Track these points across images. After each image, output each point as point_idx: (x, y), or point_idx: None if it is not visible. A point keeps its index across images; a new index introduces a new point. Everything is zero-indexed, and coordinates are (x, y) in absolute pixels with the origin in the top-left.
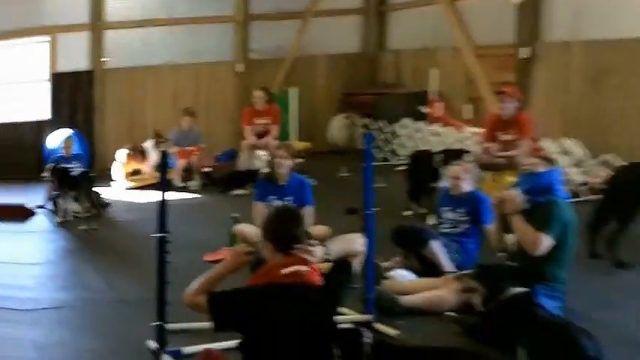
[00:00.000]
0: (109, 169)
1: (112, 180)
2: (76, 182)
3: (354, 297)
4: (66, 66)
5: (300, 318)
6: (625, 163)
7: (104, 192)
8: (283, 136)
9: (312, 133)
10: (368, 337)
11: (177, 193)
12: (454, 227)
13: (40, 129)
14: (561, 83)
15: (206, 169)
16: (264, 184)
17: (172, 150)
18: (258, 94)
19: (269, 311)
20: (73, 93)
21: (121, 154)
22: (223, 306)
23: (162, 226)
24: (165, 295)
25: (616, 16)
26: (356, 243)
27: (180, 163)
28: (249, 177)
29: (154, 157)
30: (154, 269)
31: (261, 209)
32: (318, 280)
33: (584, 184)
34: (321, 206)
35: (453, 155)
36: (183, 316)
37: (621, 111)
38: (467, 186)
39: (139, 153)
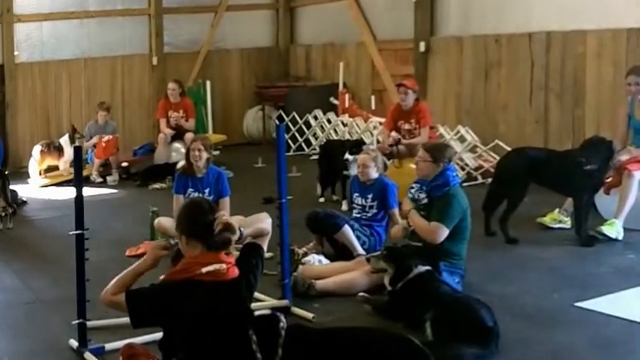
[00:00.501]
0: (25, 167)
1: (28, 177)
2: None
3: (271, 283)
4: None
5: (219, 313)
6: (509, 149)
7: (19, 190)
8: (199, 128)
9: (228, 126)
10: (283, 322)
11: (95, 188)
12: (364, 212)
13: None
14: (455, 75)
15: (124, 164)
16: (183, 176)
17: (89, 145)
18: (172, 87)
19: (187, 308)
20: None
21: (35, 150)
22: (140, 303)
23: (79, 223)
24: (84, 292)
25: (503, 13)
26: (264, 222)
27: (97, 159)
28: (166, 170)
29: (69, 152)
30: (72, 268)
31: (180, 202)
32: (236, 272)
33: (478, 168)
34: (238, 197)
35: (353, 145)
36: (104, 313)
37: (507, 101)
38: (373, 173)
39: (54, 149)
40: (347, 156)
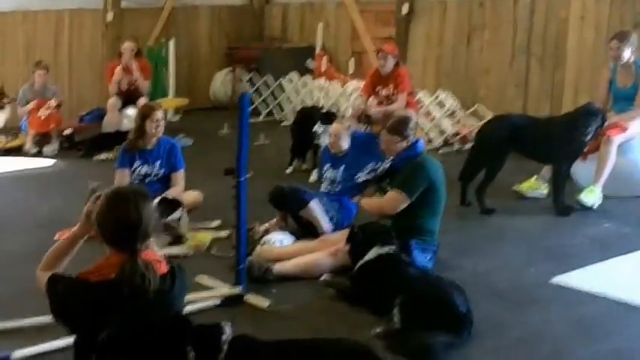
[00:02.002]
0: None
1: None
2: None
3: (225, 268)
4: None
5: (145, 320)
6: (490, 116)
7: None
8: (159, 91)
9: (193, 89)
10: (227, 334)
11: (29, 159)
12: (333, 185)
13: None
14: (436, 38)
15: (67, 131)
16: (128, 150)
17: (24, 112)
18: (128, 46)
19: (109, 314)
20: None
21: None
22: (62, 296)
23: None
24: None
25: None
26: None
27: (31, 130)
28: (116, 139)
29: None
30: None
31: (124, 177)
32: (164, 268)
33: (457, 134)
34: (198, 167)
35: (324, 115)
36: (11, 313)
37: (489, 65)
38: (345, 144)
39: None
40: (316, 127)
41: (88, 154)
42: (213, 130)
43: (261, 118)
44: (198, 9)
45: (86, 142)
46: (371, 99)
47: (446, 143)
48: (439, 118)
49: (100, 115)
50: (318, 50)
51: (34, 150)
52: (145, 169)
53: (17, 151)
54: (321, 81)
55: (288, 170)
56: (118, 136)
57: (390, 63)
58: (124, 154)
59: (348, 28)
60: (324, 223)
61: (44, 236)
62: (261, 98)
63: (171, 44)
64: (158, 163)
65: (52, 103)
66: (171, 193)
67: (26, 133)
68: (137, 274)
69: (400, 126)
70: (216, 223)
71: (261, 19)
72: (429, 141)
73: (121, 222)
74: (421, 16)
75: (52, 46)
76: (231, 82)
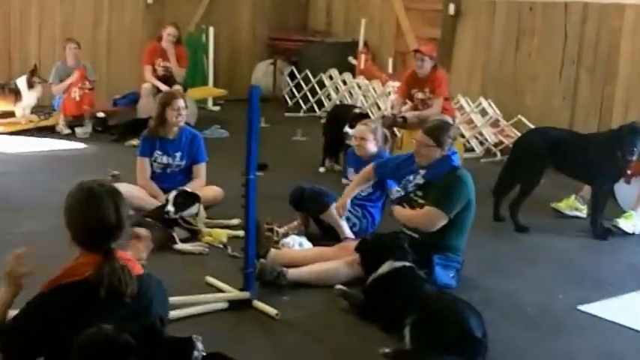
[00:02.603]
0: None
1: None
2: None
3: (237, 269)
4: None
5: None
6: (530, 128)
7: None
8: (198, 79)
9: (234, 79)
10: (199, 351)
11: (61, 141)
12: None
13: None
14: (483, 42)
15: (99, 114)
16: (149, 138)
17: (59, 89)
18: (170, 31)
19: (83, 317)
20: None
21: None
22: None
23: None
24: None
25: None
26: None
27: (64, 114)
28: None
29: (27, 97)
30: None
31: (144, 165)
32: (139, 269)
33: (499, 144)
34: (227, 160)
35: (356, 117)
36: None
37: (536, 73)
38: (372, 147)
39: (9, 91)
40: (346, 129)
41: (120, 139)
42: None
43: (301, 113)
44: None
45: (119, 126)
46: (386, 113)
47: (487, 153)
48: (480, 126)
49: (134, 99)
50: (360, 47)
51: (67, 131)
52: (164, 160)
53: (50, 131)
54: (362, 79)
55: (321, 170)
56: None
57: (428, 65)
58: (145, 142)
59: (393, 26)
60: (346, 228)
61: (60, 221)
62: (301, 94)
63: (211, 31)
64: (178, 154)
65: (87, 84)
66: (191, 186)
67: (59, 113)
68: (115, 275)
69: (439, 131)
70: (236, 221)
71: (306, 10)
72: (470, 150)
73: (98, 222)
74: (468, 17)
75: (91, 26)
76: (273, 74)
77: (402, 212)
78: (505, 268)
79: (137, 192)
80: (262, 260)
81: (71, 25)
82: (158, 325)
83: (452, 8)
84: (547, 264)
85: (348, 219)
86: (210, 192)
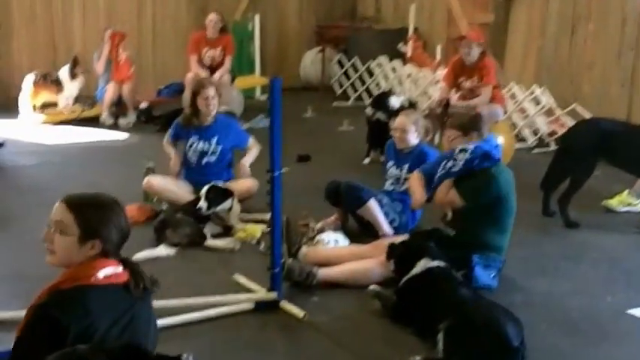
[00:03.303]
0: (17, 98)
1: (18, 112)
2: None
3: (266, 267)
4: None
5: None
6: (583, 118)
7: (4, 126)
8: (245, 68)
9: (282, 67)
10: None
11: (104, 131)
12: (397, 185)
13: None
14: (538, 27)
15: (143, 104)
16: (183, 123)
17: (98, 66)
18: (213, 18)
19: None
20: None
21: (27, 81)
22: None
23: None
24: None
25: None
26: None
27: (109, 95)
28: None
29: (70, 87)
30: (26, 232)
31: (170, 149)
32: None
33: (552, 133)
34: (268, 151)
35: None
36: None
37: (593, 60)
38: (413, 139)
39: (51, 82)
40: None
41: (163, 130)
42: (298, 112)
43: (349, 102)
44: None
45: (163, 117)
46: (452, 91)
47: (540, 143)
48: (533, 115)
49: (178, 89)
50: (410, 33)
51: (110, 121)
52: (201, 146)
53: (93, 122)
54: (411, 67)
55: (366, 161)
56: None
57: (475, 52)
58: (177, 129)
59: (444, 11)
60: (384, 224)
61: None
62: (349, 82)
63: (257, 19)
64: (215, 139)
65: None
66: (247, 160)
67: (102, 102)
68: (141, 274)
69: (466, 121)
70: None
71: None
72: (522, 140)
73: (122, 230)
74: (522, 1)
75: (135, 15)
76: (321, 62)
77: (415, 182)
78: (550, 268)
79: (171, 185)
80: (290, 260)
81: (115, 13)
82: (143, 345)
83: None
84: (595, 264)
85: (387, 214)
86: (244, 184)
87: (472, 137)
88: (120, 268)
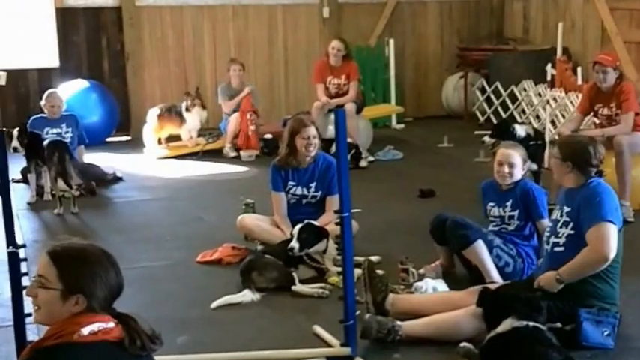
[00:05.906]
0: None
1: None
2: (45, 153)
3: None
4: None
5: None
6: None
7: (132, 161)
8: (379, 97)
9: (422, 94)
10: None
11: (224, 165)
12: (504, 225)
13: (45, 78)
14: None
15: (267, 136)
16: (280, 169)
17: (228, 105)
18: (336, 45)
19: None
20: (90, 34)
21: (151, 114)
22: None
23: (10, 236)
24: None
25: None
26: None
27: (231, 127)
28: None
29: (190, 120)
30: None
31: (280, 201)
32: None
33: None
34: (389, 186)
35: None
36: None
37: None
38: (519, 174)
39: (175, 114)
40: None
41: None
42: (433, 142)
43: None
44: (426, 4)
45: None
46: (587, 119)
47: None
48: None
49: None
50: (558, 54)
51: (232, 154)
52: (299, 191)
53: (217, 155)
54: (558, 91)
55: None
56: (323, 145)
57: (611, 77)
58: (276, 174)
59: (597, 30)
60: (493, 270)
61: (189, 254)
62: (492, 109)
63: (392, 44)
64: (313, 185)
65: (253, 117)
66: (321, 221)
67: (225, 135)
68: (138, 331)
69: (576, 154)
70: (375, 258)
71: (500, 17)
72: None
73: (109, 285)
74: None
75: (265, 44)
76: (463, 87)
77: (567, 270)
78: None
79: (265, 225)
80: (367, 316)
81: (246, 43)
82: None
83: None
84: None
85: (498, 257)
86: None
87: (569, 167)
88: (111, 324)
